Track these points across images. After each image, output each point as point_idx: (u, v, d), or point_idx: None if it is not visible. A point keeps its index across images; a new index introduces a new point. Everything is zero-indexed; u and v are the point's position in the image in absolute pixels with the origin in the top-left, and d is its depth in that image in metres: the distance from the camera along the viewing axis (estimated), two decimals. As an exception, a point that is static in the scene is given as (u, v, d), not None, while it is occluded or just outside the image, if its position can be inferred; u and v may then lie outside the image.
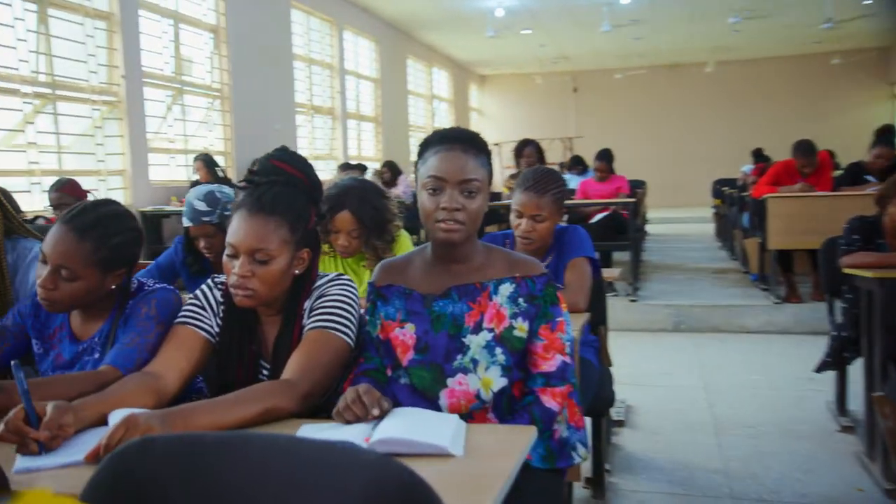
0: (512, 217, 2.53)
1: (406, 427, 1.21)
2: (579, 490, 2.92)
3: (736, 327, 5.70)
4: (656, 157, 17.72)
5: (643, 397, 4.11)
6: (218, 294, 1.67)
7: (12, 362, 1.31)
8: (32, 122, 5.85)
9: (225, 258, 1.58)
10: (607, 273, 3.12)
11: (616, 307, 5.88)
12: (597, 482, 2.77)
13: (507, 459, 1.12)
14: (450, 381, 1.56)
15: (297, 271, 1.62)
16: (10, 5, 5.67)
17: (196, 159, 7.08)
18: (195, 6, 7.94)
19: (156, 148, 7.24)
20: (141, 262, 4.14)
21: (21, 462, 1.20)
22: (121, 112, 6.67)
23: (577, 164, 9.74)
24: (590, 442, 2.69)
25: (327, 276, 1.67)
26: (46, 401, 1.30)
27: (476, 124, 19.32)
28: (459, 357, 1.57)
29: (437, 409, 1.55)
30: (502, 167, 17.28)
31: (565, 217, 6.62)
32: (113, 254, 1.64)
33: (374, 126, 12.84)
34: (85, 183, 6.12)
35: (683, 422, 3.71)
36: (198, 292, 1.68)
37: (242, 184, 1.65)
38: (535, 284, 1.61)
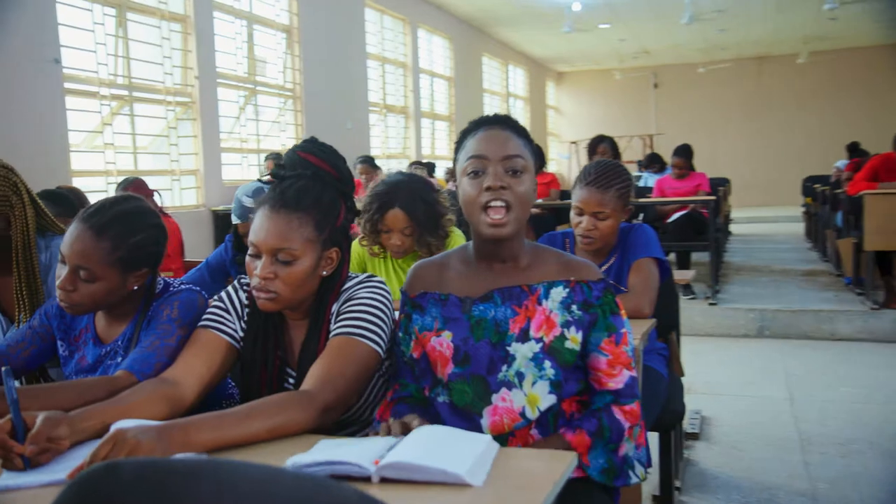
0: (572, 215, 2.35)
1: (423, 450, 1.06)
2: (647, 509, 2.72)
3: (826, 334, 5.32)
4: (741, 154, 17.02)
5: (721, 408, 3.84)
6: (243, 296, 1.56)
7: (2, 369, 1.23)
8: (110, 124, 5.98)
9: (248, 258, 1.47)
10: (680, 275, 2.90)
11: (693, 311, 5.59)
12: (665, 501, 2.55)
13: (535, 492, 0.96)
14: (493, 396, 1.40)
15: (324, 272, 1.49)
16: (90, 10, 5.80)
17: (267, 158, 7.12)
18: (268, 7, 8.00)
19: (228, 148, 7.32)
20: (192, 260, 4.12)
21: (3, 479, 1.11)
22: (194, 113, 6.76)
23: (654, 162, 9.40)
24: (657, 457, 2.52)
25: (357, 277, 1.54)
26: (46, 410, 1.21)
27: (553, 122, 19.03)
28: (504, 368, 1.40)
29: (479, 428, 1.40)
30: (580, 166, 16.98)
31: (640, 216, 6.37)
32: (133, 253, 1.56)
33: (448, 125, 12.74)
34: (159, 182, 6.24)
35: (766, 437, 3.43)
36: (223, 294, 1.57)
37: (268, 178, 1.53)
38: (591, 290, 1.43)
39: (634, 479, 1.41)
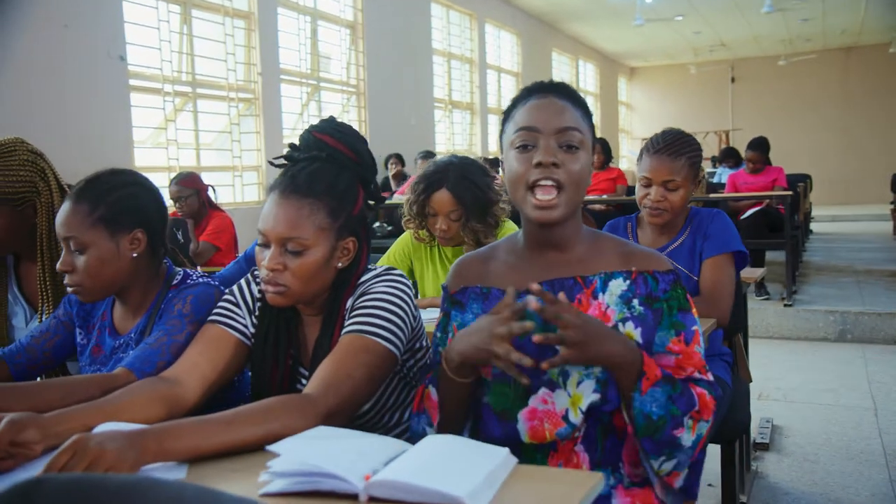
0: (638, 188, 2.16)
1: (423, 467, 0.92)
2: (709, 526, 2.51)
3: (916, 339, 4.93)
4: (824, 149, 16.24)
5: (795, 417, 3.57)
6: (255, 289, 1.44)
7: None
8: (173, 120, 6.05)
9: (256, 248, 1.35)
10: (748, 273, 2.67)
11: (767, 312, 5.27)
12: (729, 519, 2.34)
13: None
14: (532, 398, 1.22)
15: (339, 264, 1.37)
16: (155, 8, 5.88)
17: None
18: (333, 3, 8.00)
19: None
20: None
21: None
22: (257, 109, 6.79)
23: (729, 157, 9.02)
24: (719, 469, 2.31)
25: (375, 269, 1.41)
26: (30, 410, 1.12)
27: (625, 119, 18.59)
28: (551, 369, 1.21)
29: (516, 435, 1.23)
30: (652, 163, 16.47)
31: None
32: (113, 210, 1.47)
33: (516, 121, 12.56)
34: (221, 179, 6.29)
35: (846, 449, 3.15)
36: (234, 287, 1.46)
37: (280, 160, 1.42)
38: (656, 283, 1.24)
39: (656, 483, 1.21)
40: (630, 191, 6.68)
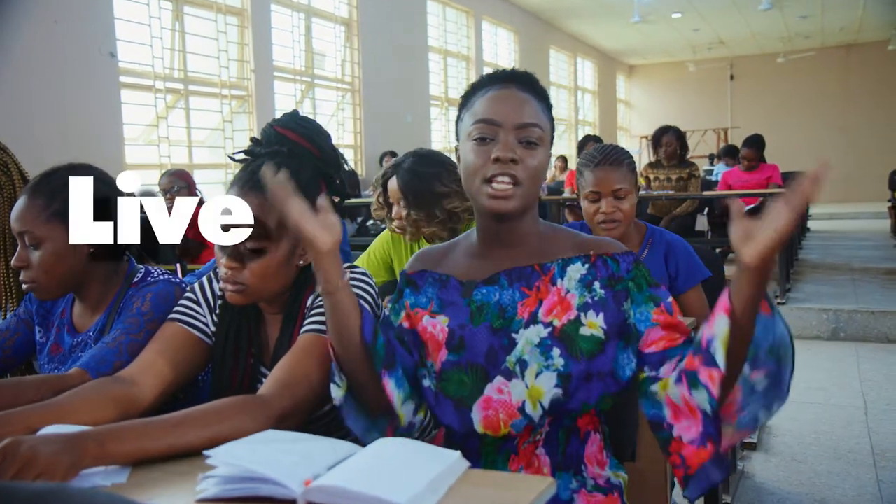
0: (586, 205, 2.14)
1: (364, 472, 0.89)
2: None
3: (910, 338, 4.90)
4: (824, 147, 16.17)
5: (785, 416, 3.53)
6: (217, 287, 1.42)
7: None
8: (165, 118, 6.02)
9: (216, 247, 1.33)
10: (731, 273, 2.64)
11: (762, 311, 5.24)
12: (711, 520, 2.31)
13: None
14: (488, 386, 1.18)
15: (301, 262, 1.34)
16: (146, 5, 5.85)
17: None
18: None
19: (285, 141, 7.31)
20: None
21: None
22: (250, 106, 6.76)
23: (729, 154, 8.98)
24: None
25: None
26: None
27: (623, 116, 18.56)
28: (506, 357, 1.19)
29: (469, 423, 1.19)
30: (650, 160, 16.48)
31: (705, 210, 6.05)
32: (69, 204, 1.44)
33: (513, 118, 12.53)
34: (214, 176, 6.27)
35: (834, 449, 3.13)
36: (195, 284, 1.44)
37: (241, 156, 1.39)
38: (617, 264, 1.20)
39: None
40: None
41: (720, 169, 8.86)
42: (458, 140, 1.28)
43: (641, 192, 5.70)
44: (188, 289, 1.44)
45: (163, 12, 5.98)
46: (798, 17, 13.65)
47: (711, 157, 12.14)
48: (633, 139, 17.97)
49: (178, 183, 4.14)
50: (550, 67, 14.03)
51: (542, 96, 1.25)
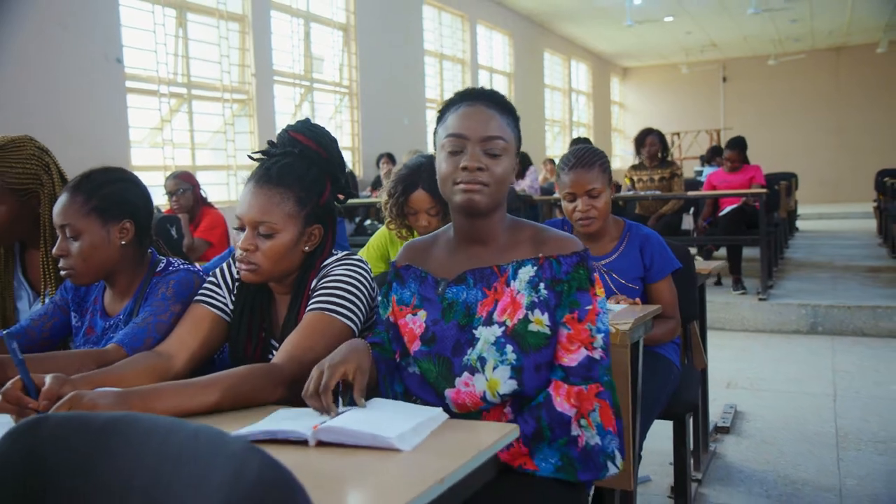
0: (565, 204, 2.34)
1: (362, 418, 1.11)
2: (664, 500, 2.69)
3: (884, 331, 5.12)
4: (815, 148, 16.46)
5: (760, 404, 3.75)
6: (234, 271, 1.63)
7: (3, 333, 1.33)
8: (169, 121, 6.23)
9: (234, 231, 1.54)
10: (702, 266, 2.86)
11: (743, 306, 5.47)
12: (680, 492, 2.52)
13: (453, 459, 0.99)
14: (457, 380, 1.39)
15: (306, 248, 1.55)
16: (151, 12, 6.06)
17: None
18: (326, 5, 8.17)
19: (285, 144, 7.51)
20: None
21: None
22: (251, 110, 6.97)
23: (717, 155, 9.20)
24: (672, 447, 2.49)
25: (337, 254, 1.59)
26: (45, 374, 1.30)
27: (618, 118, 18.78)
28: (469, 351, 1.39)
29: (445, 405, 1.40)
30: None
31: (691, 210, 6.25)
32: (106, 202, 1.65)
33: (508, 120, 12.71)
34: (216, 177, 6.47)
35: (801, 432, 3.34)
36: (216, 270, 1.65)
37: (258, 155, 1.60)
38: (560, 266, 1.38)
39: (612, 471, 1.35)
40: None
41: (708, 171, 9.06)
42: (435, 149, 1.48)
43: (628, 193, 5.99)
44: (210, 273, 1.65)
45: (167, 19, 6.18)
46: (788, 21, 13.89)
47: (702, 159, 12.34)
48: (628, 140, 18.18)
49: (183, 185, 4.35)
50: (545, 70, 14.25)
51: (508, 111, 1.45)
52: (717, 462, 3.01)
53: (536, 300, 1.38)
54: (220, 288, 1.62)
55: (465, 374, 1.39)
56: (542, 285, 1.39)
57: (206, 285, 1.63)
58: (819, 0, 12.48)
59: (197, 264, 1.97)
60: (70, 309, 1.80)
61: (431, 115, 10.28)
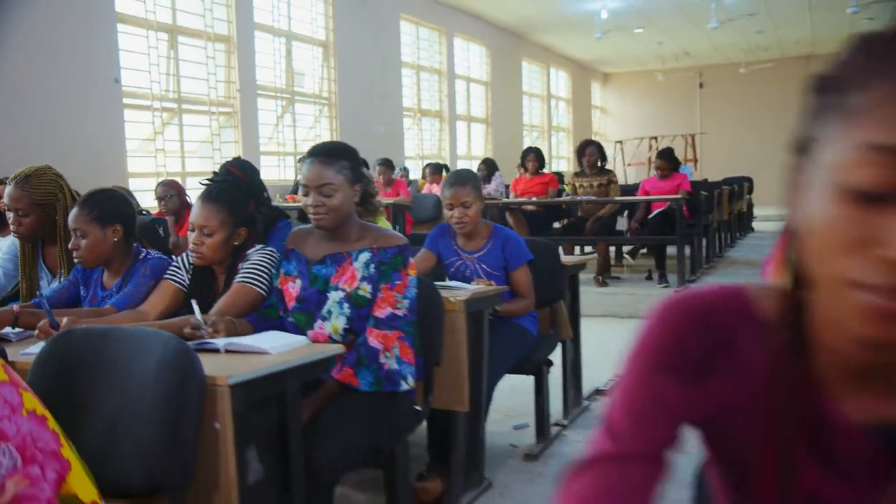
0: (445, 211, 3.12)
1: (255, 339, 1.90)
2: (533, 438, 3.42)
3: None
4: (784, 152, 17.16)
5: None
6: (190, 258, 2.42)
7: (39, 293, 2.10)
8: (161, 133, 7.01)
9: (188, 232, 2.32)
10: (567, 259, 3.62)
11: (661, 297, 6.21)
12: (539, 430, 3.30)
13: (296, 356, 1.78)
14: (315, 324, 2.18)
15: (236, 243, 2.33)
16: (146, 37, 6.84)
17: (299, 160, 8.05)
18: (306, 24, 8.94)
19: (267, 151, 8.30)
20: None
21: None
22: (236, 121, 7.75)
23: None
24: (533, 396, 3.26)
25: (256, 247, 2.37)
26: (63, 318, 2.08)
27: (599, 122, 19.53)
28: (323, 307, 2.16)
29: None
30: (624, 165, 17.48)
31: (625, 213, 7.04)
32: (104, 212, 2.41)
33: (485, 127, 13.48)
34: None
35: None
36: (180, 257, 2.44)
37: (207, 180, 2.39)
38: (385, 254, 2.16)
39: (405, 386, 2.10)
40: (559, 193, 7.63)
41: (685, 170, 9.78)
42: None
43: (568, 198, 6.78)
44: (176, 260, 2.43)
45: (160, 42, 6.96)
46: (754, 32, 14.66)
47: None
48: (609, 144, 18.94)
49: (170, 192, 5.13)
50: (523, 78, 14.98)
51: (339, 156, 2.20)
52: (588, 415, 3.78)
53: (366, 275, 2.16)
54: (181, 269, 2.40)
55: (319, 321, 2.18)
56: (372, 266, 2.17)
57: (171, 268, 2.41)
58: (780, 14, 13.25)
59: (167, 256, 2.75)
60: (80, 284, 2.59)
61: (408, 123, 11.05)
